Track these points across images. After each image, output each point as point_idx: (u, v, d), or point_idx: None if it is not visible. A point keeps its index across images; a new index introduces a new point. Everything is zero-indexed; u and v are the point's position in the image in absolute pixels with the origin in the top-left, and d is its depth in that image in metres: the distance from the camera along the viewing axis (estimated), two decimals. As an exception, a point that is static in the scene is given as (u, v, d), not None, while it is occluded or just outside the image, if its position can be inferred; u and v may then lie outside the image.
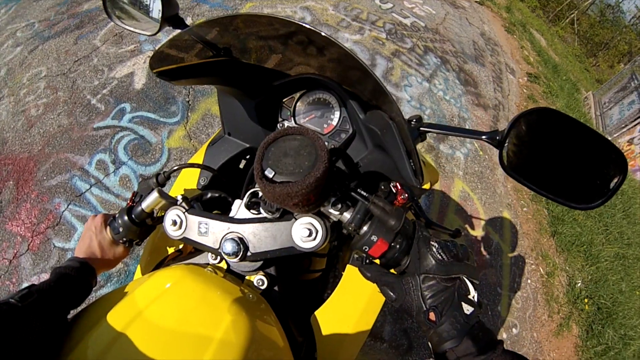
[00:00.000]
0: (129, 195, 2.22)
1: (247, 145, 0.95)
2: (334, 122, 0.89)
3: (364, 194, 0.60)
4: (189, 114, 2.65)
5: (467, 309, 0.50)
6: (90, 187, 2.23)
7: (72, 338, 0.54)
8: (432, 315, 0.50)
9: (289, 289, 0.73)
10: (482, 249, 2.67)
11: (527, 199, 3.22)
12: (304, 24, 0.58)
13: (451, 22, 4.97)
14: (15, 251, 2.01)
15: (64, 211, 2.13)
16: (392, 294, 0.54)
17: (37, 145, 2.43)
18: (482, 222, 2.82)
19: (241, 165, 0.99)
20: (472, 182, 3.02)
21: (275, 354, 0.58)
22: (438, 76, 3.70)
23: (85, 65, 2.87)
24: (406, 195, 0.61)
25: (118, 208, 2.11)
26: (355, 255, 0.66)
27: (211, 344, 0.49)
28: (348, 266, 0.74)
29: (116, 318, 0.53)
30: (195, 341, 0.50)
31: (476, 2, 6.41)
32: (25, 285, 0.57)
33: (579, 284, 2.89)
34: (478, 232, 2.76)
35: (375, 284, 0.61)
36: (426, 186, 0.88)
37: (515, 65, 5.20)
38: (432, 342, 0.50)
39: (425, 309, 0.50)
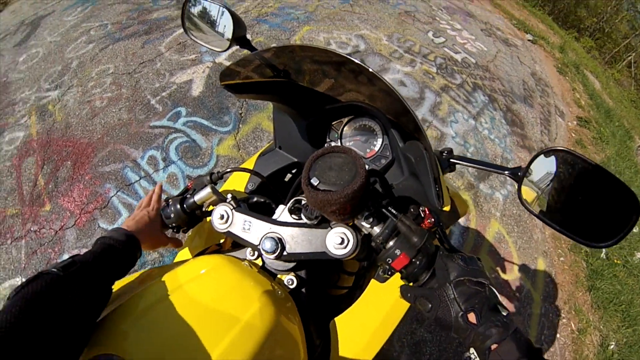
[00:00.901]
0: (174, 192, 2.33)
1: (295, 160, 1.00)
2: (376, 148, 0.94)
3: (394, 212, 0.64)
4: (241, 125, 2.77)
5: (503, 311, 0.51)
6: (140, 179, 2.38)
7: (115, 299, 0.60)
8: (472, 317, 0.50)
9: (315, 294, 0.77)
10: (512, 294, 2.63)
11: (566, 249, 3.12)
12: (352, 59, 0.64)
13: (502, 60, 4.94)
14: (63, 224, 2.18)
15: (112, 197, 2.30)
16: (428, 304, 0.55)
17: (97, 133, 2.65)
18: (515, 267, 2.77)
19: (286, 179, 1.04)
20: (509, 225, 2.98)
21: (292, 347, 0.62)
22: (485, 114, 3.67)
23: (149, 68, 3.12)
24: (433, 219, 0.64)
25: (162, 202, 2.30)
26: (380, 271, 0.71)
27: (238, 324, 0.55)
28: (372, 280, 0.77)
29: (158, 287, 0.60)
30: (225, 319, 0.56)
31: (529, 40, 6.32)
32: (65, 256, 0.61)
33: (612, 346, 2.76)
34: (509, 277, 2.71)
35: (396, 304, 0.66)
36: (446, 208, 0.93)
37: (566, 108, 5.07)
38: (475, 344, 0.49)
39: (463, 311, 0.51)
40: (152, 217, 0.79)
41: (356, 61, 0.64)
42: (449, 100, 3.59)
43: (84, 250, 0.64)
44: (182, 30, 3.62)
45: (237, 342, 0.54)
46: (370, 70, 0.63)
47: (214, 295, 0.60)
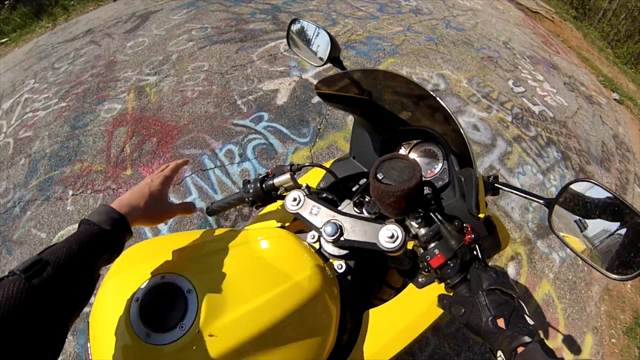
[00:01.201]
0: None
1: (366, 170, 1.10)
2: (436, 171, 1.02)
3: (440, 218, 0.72)
4: (317, 139, 2.89)
5: (530, 321, 0.55)
6: (215, 167, 2.61)
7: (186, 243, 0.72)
8: (500, 322, 0.54)
9: (358, 285, 0.85)
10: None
11: (620, 331, 2.91)
12: (433, 94, 0.75)
13: (582, 117, 4.69)
14: (138, 189, 2.51)
15: (186, 177, 2.53)
16: (462, 308, 0.60)
17: (184, 120, 2.97)
18: (560, 336, 2.62)
19: (354, 189, 1.13)
20: (561, 290, 2.84)
21: (326, 319, 0.71)
22: (555, 171, 3.51)
23: (240, 72, 3.43)
24: (473, 236, 0.71)
25: (231, 192, 2.41)
26: (419, 278, 0.79)
27: (289, 281, 0.66)
28: (410, 285, 0.84)
29: (229, 238, 0.72)
30: (279, 274, 0.67)
31: (615, 100, 5.93)
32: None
33: None
34: (552, 344, 2.56)
35: (427, 311, 0.74)
36: (481, 215, 0.95)
37: (647, 178, 4.72)
38: (502, 346, 0.52)
39: (493, 316, 0.55)
40: (154, 189, 0.70)
41: (437, 98, 0.74)
42: (519, 151, 3.52)
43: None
44: (274, 43, 4.06)
45: (284, 294, 0.64)
46: (448, 109, 0.74)
47: (274, 255, 0.71)
